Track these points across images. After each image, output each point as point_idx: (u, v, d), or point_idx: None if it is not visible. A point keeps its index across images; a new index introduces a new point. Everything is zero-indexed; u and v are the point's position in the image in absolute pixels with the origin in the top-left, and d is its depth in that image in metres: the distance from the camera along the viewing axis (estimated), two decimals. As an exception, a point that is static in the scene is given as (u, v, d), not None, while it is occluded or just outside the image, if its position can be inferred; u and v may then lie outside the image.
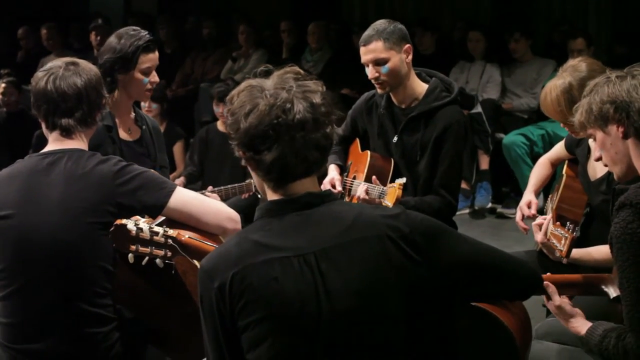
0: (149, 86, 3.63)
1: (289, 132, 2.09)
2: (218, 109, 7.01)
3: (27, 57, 10.10)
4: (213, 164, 7.03)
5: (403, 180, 3.78)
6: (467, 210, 7.22)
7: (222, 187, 4.42)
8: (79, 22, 10.50)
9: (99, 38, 8.87)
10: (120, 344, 2.85)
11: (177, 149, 7.56)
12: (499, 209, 7.22)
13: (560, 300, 2.61)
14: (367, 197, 3.80)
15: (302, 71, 2.21)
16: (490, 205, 7.28)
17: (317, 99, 2.14)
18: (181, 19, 10.89)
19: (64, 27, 9.73)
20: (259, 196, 5.05)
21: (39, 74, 2.94)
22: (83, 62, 2.98)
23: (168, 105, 7.76)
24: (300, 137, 2.10)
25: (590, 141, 3.37)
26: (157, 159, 3.78)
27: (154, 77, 3.64)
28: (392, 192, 3.73)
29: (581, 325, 2.61)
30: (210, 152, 7.07)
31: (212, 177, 6.78)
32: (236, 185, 4.74)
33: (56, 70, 2.90)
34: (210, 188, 4.33)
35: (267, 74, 2.19)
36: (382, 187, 3.82)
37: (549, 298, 2.61)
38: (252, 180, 4.75)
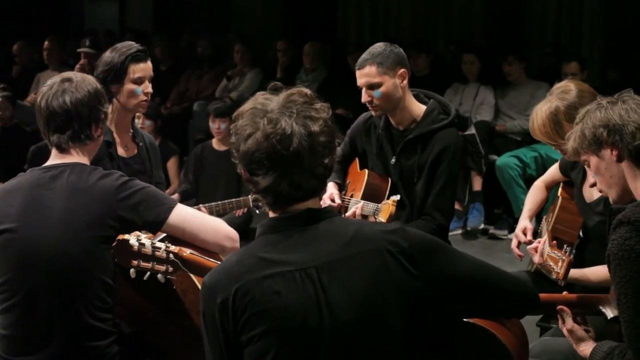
0: (142, 97, 3.64)
1: (283, 162, 2.13)
2: (214, 125, 7.04)
3: (23, 72, 10.11)
4: (208, 182, 7.05)
5: (397, 197, 3.82)
6: (459, 231, 7.25)
7: (219, 202, 4.43)
8: (74, 38, 10.52)
9: (86, 61, 8.83)
10: (119, 358, 2.86)
11: (171, 164, 7.57)
12: (491, 230, 7.24)
13: (572, 324, 2.64)
14: (360, 213, 3.84)
15: (309, 92, 2.24)
16: (482, 226, 7.31)
17: (316, 127, 2.16)
18: (176, 37, 10.94)
19: (61, 43, 9.73)
20: (257, 212, 5.07)
21: (41, 90, 2.97)
22: (79, 78, 2.96)
23: (162, 122, 7.78)
24: (295, 168, 2.14)
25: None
26: (153, 175, 3.80)
27: (147, 88, 3.65)
28: (385, 209, 3.77)
29: (590, 348, 2.62)
30: (205, 170, 7.09)
31: (207, 194, 6.79)
32: (233, 200, 4.76)
33: (51, 88, 2.92)
34: (201, 206, 4.35)
35: (275, 91, 2.23)
36: (376, 204, 3.86)
37: (562, 320, 2.65)
38: (249, 197, 4.79)
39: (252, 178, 2.18)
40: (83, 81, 2.96)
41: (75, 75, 2.99)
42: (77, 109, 2.89)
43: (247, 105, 2.22)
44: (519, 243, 3.73)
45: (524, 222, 3.78)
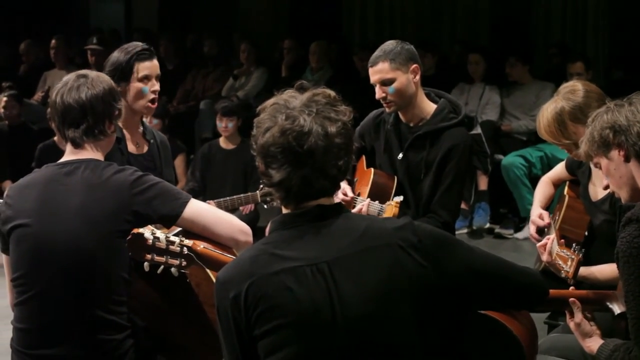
0: (150, 96, 3.65)
1: (297, 158, 2.16)
2: (221, 124, 7.06)
3: (30, 70, 10.15)
4: (215, 180, 7.09)
5: (400, 198, 3.85)
6: (465, 230, 7.29)
7: (227, 198, 4.45)
8: (80, 37, 10.57)
9: (93, 58, 8.88)
10: (133, 352, 2.88)
11: (178, 162, 7.61)
12: (497, 229, 7.28)
13: (581, 318, 2.66)
14: (367, 211, 3.86)
15: (334, 94, 2.26)
16: (488, 225, 7.35)
17: (333, 128, 2.18)
18: (182, 36, 10.98)
19: (68, 42, 9.78)
20: (265, 207, 5.07)
21: (55, 87, 3.01)
22: (94, 74, 3.02)
23: (169, 120, 7.82)
24: (308, 165, 2.17)
25: (595, 169, 3.44)
26: (162, 173, 3.82)
27: (155, 86, 3.67)
28: (389, 210, 3.80)
29: (595, 344, 2.65)
30: (212, 168, 7.13)
31: (214, 192, 6.83)
32: (242, 195, 4.78)
33: (67, 84, 2.96)
34: (209, 201, 4.37)
35: (302, 89, 2.26)
36: (381, 205, 3.89)
37: (571, 314, 2.67)
38: (257, 192, 4.80)
39: (267, 171, 2.21)
40: (98, 77, 3.00)
41: (90, 72, 3.03)
42: (92, 103, 2.93)
43: (271, 100, 2.26)
44: (537, 228, 3.75)
45: (538, 209, 3.80)
